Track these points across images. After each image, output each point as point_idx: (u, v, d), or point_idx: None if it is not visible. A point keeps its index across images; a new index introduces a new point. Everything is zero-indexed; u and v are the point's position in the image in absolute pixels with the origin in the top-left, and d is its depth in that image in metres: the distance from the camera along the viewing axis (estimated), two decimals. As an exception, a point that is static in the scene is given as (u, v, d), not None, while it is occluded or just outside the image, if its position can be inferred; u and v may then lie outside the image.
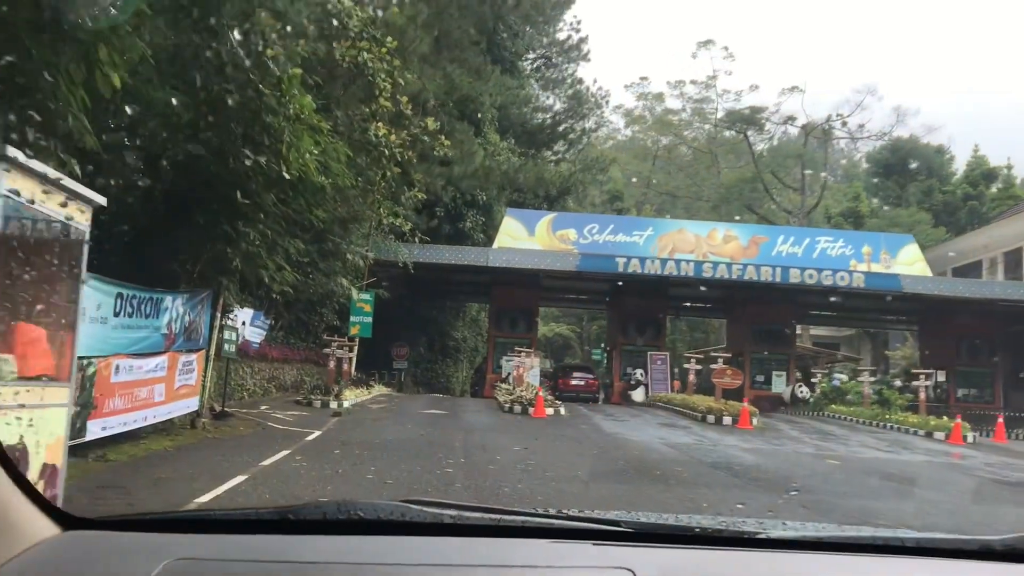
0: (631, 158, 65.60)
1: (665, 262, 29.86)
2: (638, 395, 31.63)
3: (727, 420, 21.79)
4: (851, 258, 33.74)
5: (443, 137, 16.85)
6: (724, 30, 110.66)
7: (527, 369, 29.04)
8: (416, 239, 26.41)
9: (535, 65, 47.94)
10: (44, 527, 1.49)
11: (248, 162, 10.48)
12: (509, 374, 30.94)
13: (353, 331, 26.10)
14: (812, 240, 34.19)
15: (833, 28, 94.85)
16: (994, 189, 51.63)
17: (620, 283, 31.65)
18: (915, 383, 24.47)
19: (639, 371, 32.18)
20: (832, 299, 32.48)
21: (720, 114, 59.88)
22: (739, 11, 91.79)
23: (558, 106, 43.34)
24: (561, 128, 42.68)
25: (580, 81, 48.06)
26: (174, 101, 9.06)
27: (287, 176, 11.04)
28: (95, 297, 9.76)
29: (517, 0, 40.80)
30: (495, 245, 31.90)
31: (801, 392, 31.59)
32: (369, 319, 26.28)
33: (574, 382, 32.81)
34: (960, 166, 54.43)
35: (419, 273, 29.92)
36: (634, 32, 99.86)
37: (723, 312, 37.68)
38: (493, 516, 1.69)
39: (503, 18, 39.83)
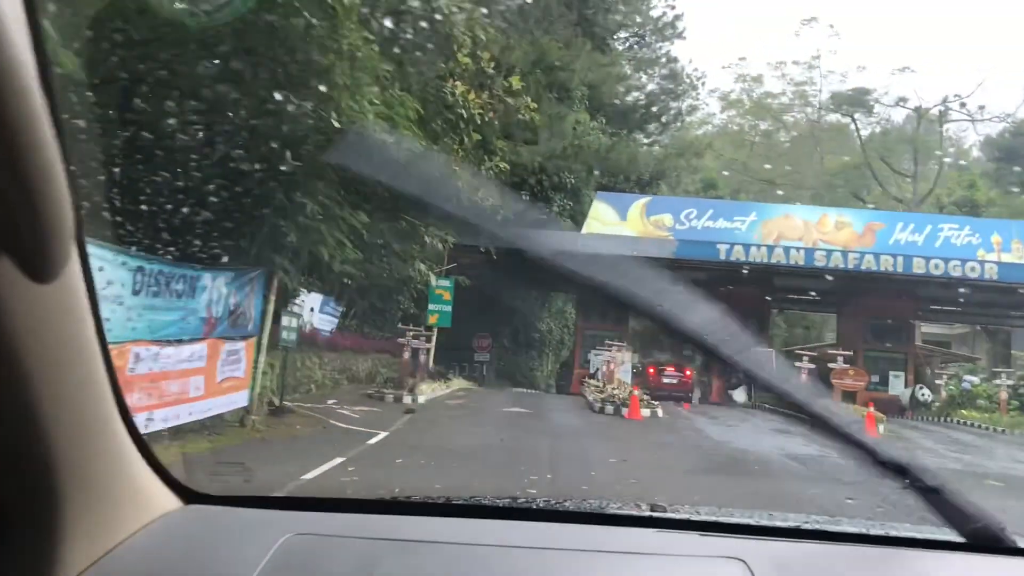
0: (727, 143, 62.25)
1: (772, 249, 27.16)
2: (740, 395, 29.01)
3: (849, 427, 19.07)
4: (978, 247, 30.32)
5: (529, 99, 14.67)
6: (830, 5, 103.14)
7: (618, 365, 26.82)
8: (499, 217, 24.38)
9: (627, 44, 45.48)
10: (168, 500, 1.50)
11: (292, 108, 8.57)
12: (598, 369, 28.80)
13: (431, 320, 24.34)
14: (934, 228, 30.86)
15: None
16: None
17: (721, 272, 29.08)
18: (1069, 389, 21.36)
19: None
20: (959, 292, 29.26)
21: (824, 96, 56.14)
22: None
23: (651, 86, 40.75)
24: (655, 108, 40.09)
25: (675, 60, 45.39)
26: (183, 19, 7.15)
27: (337, 125, 9.09)
28: (105, 271, 7.99)
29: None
30: (584, 231, 29.65)
31: (923, 395, 28.47)
32: (448, 308, 24.48)
33: (667, 379, 30.43)
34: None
35: (502, 259, 27.95)
36: (733, 9, 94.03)
37: (834, 306, 34.53)
38: (596, 503, 1.74)
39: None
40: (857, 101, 54.32)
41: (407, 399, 18.78)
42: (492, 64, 14.56)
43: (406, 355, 21.27)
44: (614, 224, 30.52)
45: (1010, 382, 24.34)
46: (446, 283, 24.37)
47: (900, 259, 26.78)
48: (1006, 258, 29.23)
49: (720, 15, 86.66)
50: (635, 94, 39.83)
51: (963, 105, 49.62)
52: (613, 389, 21.50)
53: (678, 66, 45.31)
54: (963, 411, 24.27)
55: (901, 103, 52.89)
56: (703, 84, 46.04)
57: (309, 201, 11.32)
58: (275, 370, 14.58)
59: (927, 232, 30.63)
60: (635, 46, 43.77)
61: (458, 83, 13.82)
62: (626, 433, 16.24)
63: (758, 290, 30.74)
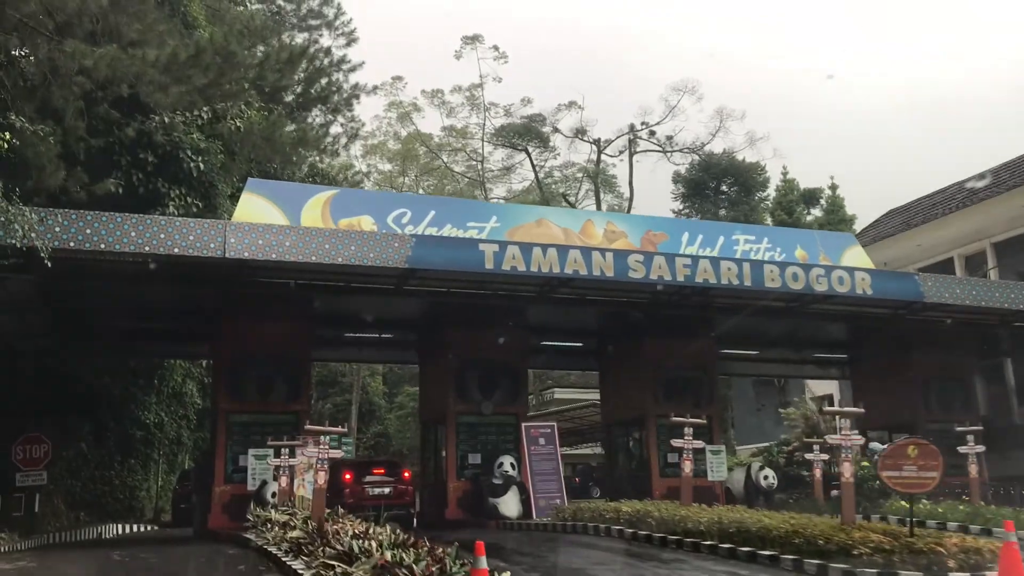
0: (381, 184, 51.38)
1: (565, 253, 16.15)
2: (510, 506, 17.29)
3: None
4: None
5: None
6: (495, 25, 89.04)
7: (303, 472, 13.92)
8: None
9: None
10: None
11: None
12: (264, 484, 15.74)
13: None
14: (728, 239, 22.12)
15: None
16: (818, 212, 43.77)
17: (478, 291, 17.49)
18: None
19: (507, 459, 17.91)
20: (790, 320, 20.78)
21: (490, 129, 47.60)
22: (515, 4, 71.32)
23: (310, 62, 28.41)
24: (314, 90, 27.88)
25: (329, 52, 33.57)
26: None
27: None
28: None
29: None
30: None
31: (767, 480, 19.18)
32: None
33: (375, 489, 18.33)
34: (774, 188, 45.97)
35: (69, 279, 13.83)
36: (395, 15, 76.55)
37: (599, 355, 24.29)
38: None
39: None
40: (530, 131, 46.61)
41: None
42: None
43: None
44: (279, 229, 17.70)
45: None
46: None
47: (747, 266, 17.32)
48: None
49: (379, 21, 68.78)
50: (290, 58, 27.14)
51: (652, 134, 43.72)
52: (308, 517, 8.65)
53: (334, 57, 33.47)
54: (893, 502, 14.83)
55: (580, 136, 45.99)
56: (358, 101, 33.85)
57: None
58: None
59: (720, 244, 21.84)
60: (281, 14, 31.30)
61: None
62: None
63: (508, 331, 19.75)
